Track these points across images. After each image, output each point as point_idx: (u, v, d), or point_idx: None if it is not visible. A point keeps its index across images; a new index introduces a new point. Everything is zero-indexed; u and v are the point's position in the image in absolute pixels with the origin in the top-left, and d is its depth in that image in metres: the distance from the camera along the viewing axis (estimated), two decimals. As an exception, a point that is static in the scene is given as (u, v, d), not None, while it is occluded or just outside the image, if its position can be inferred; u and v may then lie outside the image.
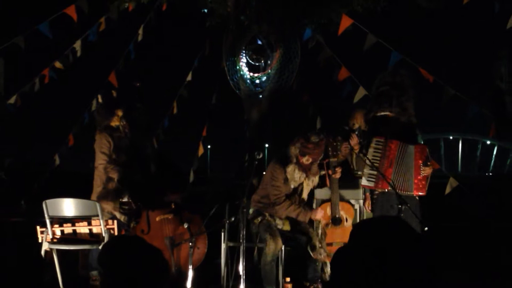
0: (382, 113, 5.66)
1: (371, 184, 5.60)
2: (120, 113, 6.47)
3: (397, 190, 5.40)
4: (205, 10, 8.80)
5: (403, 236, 1.97)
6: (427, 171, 5.56)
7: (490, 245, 8.60)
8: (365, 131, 6.81)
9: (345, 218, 6.01)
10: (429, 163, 5.59)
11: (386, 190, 5.50)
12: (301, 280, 6.03)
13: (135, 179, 6.38)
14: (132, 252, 2.40)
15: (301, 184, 6.06)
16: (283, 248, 6.05)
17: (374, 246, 1.93)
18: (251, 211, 6.06)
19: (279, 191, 5.94)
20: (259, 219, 5.97)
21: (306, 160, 5.92)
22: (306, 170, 5.97)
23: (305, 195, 6.12)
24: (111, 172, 6.32)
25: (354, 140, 5.85)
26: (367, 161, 5.54)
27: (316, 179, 6.11)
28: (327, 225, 5.98)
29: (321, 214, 5.97)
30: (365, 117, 5.89)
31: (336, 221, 5.95)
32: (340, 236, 5.91)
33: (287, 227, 6.00)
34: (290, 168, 5.94)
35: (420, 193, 5.56)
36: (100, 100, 6.76)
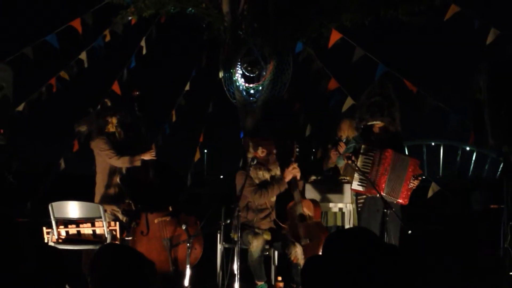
0: (374, 122, 5.69)
1: (362, 189, 5.60)
2: (114, 120, 6.43)
3: (385, 195, 5.43)
4: (204, 25, 8.83)
5: (374, 246, 1.97)
6: (415, 183, 5.61)
7: (470, 245, 8.62)
8: (349, 140, 6.84)
9: (307, 214, 6.00)
10: (419, 178, 5.63)
11: (376, 195, 5.49)
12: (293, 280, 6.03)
13: (136, 180, 6.35)
14: (119, 261, 2.38)
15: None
16: (276, 253, 6.08)
17: (346, 256, 1.93)
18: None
19: (253, 186, 5.98)
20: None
21: (261, 152, 6.03)
22: (265, 163, 6.03)
23: None
24: (119, 160, 6.23)
25: (342, 148, 5.89)
26: (356, 168, 5.54)
27: (278, 171, 6.12)
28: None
29: (290, 174, 5.99)
30: (357, 125, 5.89)
31: (300, 218, 5.96)
32: (305, 232, 5.90)
33: (267, 236, 6.01)
34: (251, 171, 6.01)
35: (404, 202, 5.58)
36: (91, 110, 6.73)
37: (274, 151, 6.12)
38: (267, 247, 6.01)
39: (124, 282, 2.31)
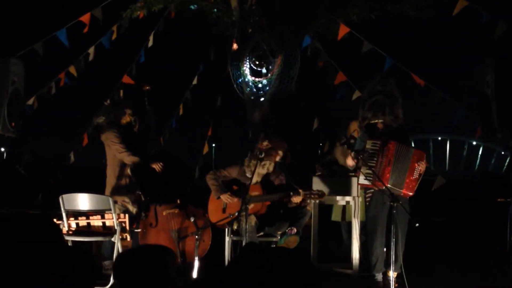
0: (376, 121, 5.67)
1: (369, 183, 5.59)
2: (129, 110, 6.49)
3: (391, 186, 5.42)
4: (212, 20, 8.83)
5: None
6: (422, 166, 5.55)
7: (475, 239, 8.62)
8: (354, 137, 6.83)
9: None
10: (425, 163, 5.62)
11: (383, 188, 5.48)
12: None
13: (145, 171, 6.40)
14: (141, 264, 2.41)
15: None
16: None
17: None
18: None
19: (214, 175, 6.34)
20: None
21: (265, 145, 6.30)
22: (262, 155, 6.11)
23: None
24: (129, 157, 6.28)
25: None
26: (363, 162, 5.54)
27: (270, 167, 6.26)
28: None
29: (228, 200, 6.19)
30: (359, 124, 5.88)
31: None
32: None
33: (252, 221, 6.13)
34: (246, 160, 6.34)
35: (409, 193, 5.54)
36: (107, 102, 6.76)
37: (280, 152, 6.19)
38: (274, 239, 6.06)
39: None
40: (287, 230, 6.14)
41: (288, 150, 6.47)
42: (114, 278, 2.48)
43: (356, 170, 5.87)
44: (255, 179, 6.14)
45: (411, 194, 5.56)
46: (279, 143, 6.36)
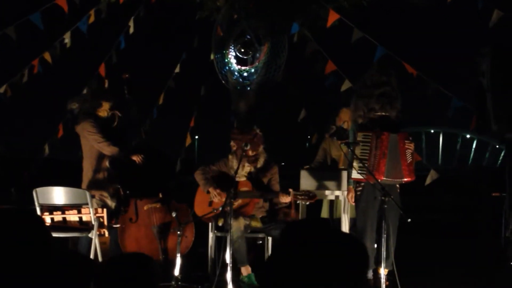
0: (382, 113, 5.68)
1: (362, 177, 5.60)
2: (107, 105, 6.37)
3: (386, 179, 5.46)
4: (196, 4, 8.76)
5: (332, 238, 1.98)
6: (409, 145, 5.61)
7: (469, 234, 8.68)
8: (344, 129, 6.84)
9: None
10: (411, 143, 5.67)
11: (376, 181, 5.49)
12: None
13: (124, 163, 6.34)
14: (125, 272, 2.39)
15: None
16: (269, 238, 6.11)
17: (304, 248, 1.94)
18: None
19: (203, 170, 6.31)
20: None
21: (232, 145, 6.27)
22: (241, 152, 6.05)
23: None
24: (109, 148, 6.20)
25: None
26: (354, 156, 5.54)
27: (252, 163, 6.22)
28: None
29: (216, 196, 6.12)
30: (364, 114, 5.80)
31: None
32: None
33: (256, 223, 6.07)
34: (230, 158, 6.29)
35: (412, 179, 5.61)
36: (87, 89, 6.69)
37: (245, 147, 6.07)
38: (261, 235, 6.05)
39: None
40: None
41: (255, 135, 6.24)
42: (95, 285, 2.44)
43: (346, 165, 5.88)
44: (242, 174, 6.12)
45: (412, 179, 5.62)
46: (240, 138, 6.18)
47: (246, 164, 6.14)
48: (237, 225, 5.83)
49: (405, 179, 5.60)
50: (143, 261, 2.44)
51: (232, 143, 6.28)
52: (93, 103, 6.35)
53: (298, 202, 6.06)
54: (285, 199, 5.93)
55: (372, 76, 5.81)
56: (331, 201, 6.95)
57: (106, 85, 6.72)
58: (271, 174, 6.30)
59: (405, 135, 5.75)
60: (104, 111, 6.35)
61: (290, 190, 5.91)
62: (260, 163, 6.21)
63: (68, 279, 2.24)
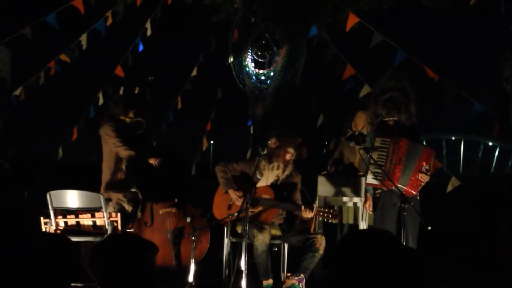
0: (390, 119, 5.65)
1: (377, 182, 5.57)
2: (131, 114, 6.51)
3: (400, 186, 5.41)
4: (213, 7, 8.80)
5: (393, 250, 1.98)
6: (424, 178, 5.53)
7: (490, 243, 8.60)
8: (363, 133, 6.82)
9: None
10: (428, 173, 5.56)
11: (392, 188, 5.45)
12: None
13: (142, 167, 6.40)
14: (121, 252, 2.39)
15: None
16: (285, 245, 6.08)
17: (361, 259, 1.94)
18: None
19: (224, 167, 6.12)
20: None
21: (273, 143, 5.98)
22: (271, 156, 5.94)
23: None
24: (126, 152, 6.30)
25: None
26: (372, 161, 5.51)
27: (280, 170, 6.03)
28: None
29: (238, 200, 5.96)
30: (372, 121, 5.81)
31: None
32: None
33: (276, 231, 6.02)
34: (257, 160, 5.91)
35: (413, 192, 5.53)
36: (121, 91, 6.75)
37: (290, 149, 6.00)
38: (277, 242, 6.01)
39: (128, 274, 2.32)
40: (295, 279, 5.74)
41: (302, 144, 6.12)
42: (89, 268, 2.44)
43: (360, 167, 5.84)
44: (264, 181, 6.06)
45: (414, 193, 5.54)
46: (288, 140, 6.04)
47: (276, 167, 6.02)
48: (263, 239, 5.74)
49: (407, 189, 5.50)
50: (141, 242, 2.45)
51: (274, 144, 6.00)
52: (120, 107, 6.48)
53: (320, 219, 6.00)
54: (308, 215, 5.81)
55: (381, 83, 5.79)
56: (340, 207, 6.89)
57: (137, 91, 6.78)
58: (294, 183, 6.16)
59: (432, 154, 5.68)
60: (129, 116, 6.49)
61: (315, 205, 5.84)
62: (288, 170, 6.09)
63: (54, 262, 2.25)
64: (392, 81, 5.70)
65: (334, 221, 6.00)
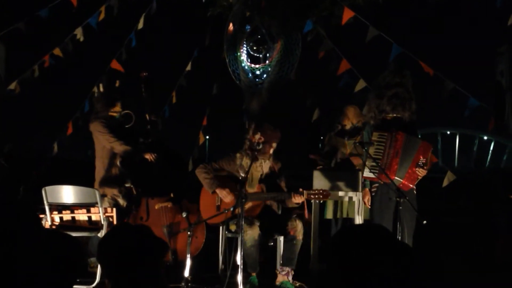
0: (394, 115, 5.67)
1: (374, 176, 5.59)
2: (118, 108, 6.48)
3: (397, 178, 5.43)
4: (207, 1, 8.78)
5: (386, 244, 1.99)
6: (421, 172, 5.55)
7: (486, 239, 8.63)
8: (357, 127, 6.82)
9: None
10: (425, 167, 5.58)
11: (388, 181, 5.47)
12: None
13: (137, 162, 6.39)
14: (132, 241, 2.40)
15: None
16: (281, 239, 6.10)
17: (357, 254, 1.95)
18: None
19: (205, 168, 6.11)
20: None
21: (258, 138, 5.99)
22: (255, 151, 5.94)
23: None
24: (121, 147, 6.28)
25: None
26: (368, 155, 5.53)
27: (266, 166, 6.11)
28: None
29: (227, 197, 5.99)
30: (376, 116, 5.80)
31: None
32: None
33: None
34: (238, 157, 6.10)
35: (409, 185, 5.54)
36: (101, 88, 6.76)
37: (274, 144, 6.05)
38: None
39: (136, 265, 2.34)
40: (283, 273, 5.87)
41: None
42: (98, 257, 2.45)
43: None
44: (252, 184, 6.07)
45: (411, 186, 5.56)
46: (272, 134, 6.09)
47: (263, 164, 6.05)
48: (252, 234, 5.78)
49: (403, 182, 5.52)
50: (147, 233, 2.46)
51: (254, 138, 6.03)
52: (104, 103, 6.45)
53: (311, 201, 6.03)
54: (299, 199, 5.88)
55: (385, 77, 5.81)
56: (335, 201, 6.91)
57: (117, 84, 6.77)
58: (276, 172, 6.22)
59: (429, 148, 5.71)
60: (115, 110, 6.45)
61: (301, 189, 5.89)
62: (270, 161, 6.12)
63: (60, 259, 2.26)
64: (397, 77, 5.72)
65: (325, 200, 6.07)
